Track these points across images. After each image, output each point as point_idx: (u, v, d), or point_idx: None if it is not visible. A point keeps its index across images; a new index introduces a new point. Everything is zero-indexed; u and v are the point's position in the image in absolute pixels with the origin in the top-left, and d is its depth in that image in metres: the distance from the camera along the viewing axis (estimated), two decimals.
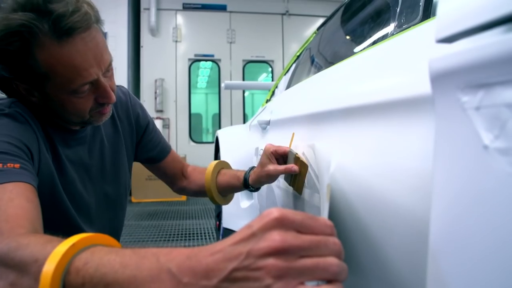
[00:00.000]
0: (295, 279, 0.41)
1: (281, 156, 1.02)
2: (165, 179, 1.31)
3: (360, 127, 0.71)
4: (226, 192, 1.23)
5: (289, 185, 1.04)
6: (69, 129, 0.95)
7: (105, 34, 0.89)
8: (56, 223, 0.89)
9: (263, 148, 1.04)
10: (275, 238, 0.41)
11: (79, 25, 0.77)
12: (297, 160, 0.94)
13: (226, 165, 1.28)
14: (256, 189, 1.14)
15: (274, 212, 0.43)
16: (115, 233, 1.15)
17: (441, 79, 0.38)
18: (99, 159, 1.05)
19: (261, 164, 1.03)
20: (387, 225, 0.58)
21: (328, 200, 0.61)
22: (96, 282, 0.46)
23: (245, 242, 0.42)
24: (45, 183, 0.87)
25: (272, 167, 1.00)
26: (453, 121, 0.36)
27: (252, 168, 1.11)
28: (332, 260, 0.43)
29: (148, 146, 1.21)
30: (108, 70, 0.87)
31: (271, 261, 0.40)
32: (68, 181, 0.94)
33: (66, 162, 0.94)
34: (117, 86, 1.11)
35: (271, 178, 1.03)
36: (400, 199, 0.54)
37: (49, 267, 0.47)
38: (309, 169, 0.89)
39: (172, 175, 1.28)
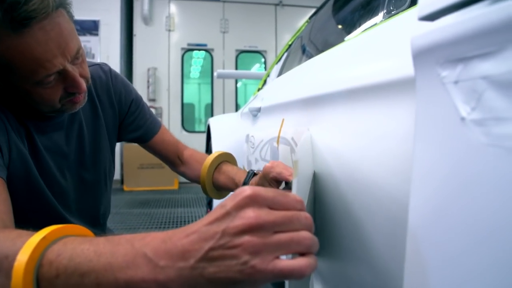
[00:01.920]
0: (271, 254, 0.42)
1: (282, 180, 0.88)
2: (161, 160, 1.24)
3: (350, 110, 0.72)
4: (223, 190, 1.15)
5: None
6: (44, 116, 0.90)
7: (73, 18, 0.81)
8: (37, 211, 0.88)
9: (263, 168, 0.90)
10: (249, 215, 0.42)
11: (35, 14, 0.68)
12: None
13: (227, 158, 1.16)
14: None
15: (247, 190, 0.44)
16: (98, 218, 1.11)
17: (422, 55, 0.39)
18: (77, 145, 1.00)
19: (259, 185, 0.91)
20: (375, 204, 0.59)
21: (296, 176, 0.62)
22: (70, 272, 0.45)
23: (219, 221, 0.43)
24: (20, 172, 0.84)
25: None
26: (432, 95, 0.38)
27: (252, 175, 1.01)
28: (305, 234, 0.44)
29: (131, 127, 1.15)
30: (77, 57, 0.80)
31: (247, 238, 0.41)
32: (45, 169, 0.90)
33: (42, 150, 0.90)
34: (98, 64, 1.08)
35: None
36: (388, 179, 0.55)
37: (20, 261, 0.46)
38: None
39: (165, 157, 1.21)
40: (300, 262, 0.42)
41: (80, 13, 6.22)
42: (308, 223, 0.45)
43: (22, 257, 0.46)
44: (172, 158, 1.21)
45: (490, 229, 0.31)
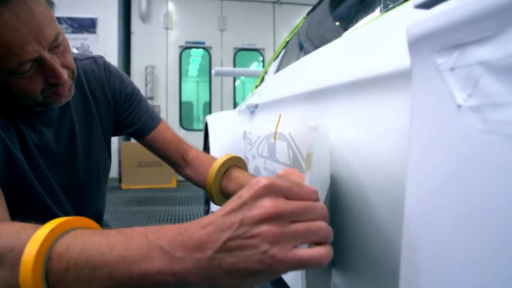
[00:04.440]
0: (289, 243, 0.41)
1: None
2: (164, 161, 1.14)
3: (349, 104, 0.72)
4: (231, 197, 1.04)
5: None
6: (33, 111, 0.85)
7: (52, 5, 0.76)
8: (30, 210, 0.85)
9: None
10: (267, 204, 0.42)
11: None
12: None
13: (236, 162, 1.05)
14: None
15: (263, 181, 0.44)
16: (93, 217, 1.06)
17: (418, 43, 0.39)
18: (67, 142, 0.95)
19: None
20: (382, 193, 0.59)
21: (310, 168, 0.61)
22: (81, 266, 0.44)
23: (236, 212, 0.43)
24: (5, 167, 0.80)
25: None
26: (428, 84, 0.37)
27: None
28: (321, 224, 0.44)
29: (126, 122, 1.08)
30: (57, 46, 0.75)
31: (265, 228, 0.41)
32: (35, 165, 0.87)
33: (33, 146, 0.86)
34: (92, 57, 1.03)
35: None
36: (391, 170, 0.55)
37: (29, 254, 0.45)
38: (295, 150, 0.88)
39: (167, 158, 1.12)
40: (318, 251, 0.42)
41: (78, 11, 6.21)
42: (324, 213, 0.45)
43: (31, 251, 0.45)
44: (175, 159, 1.11)
45: (489, 218, 0.31)
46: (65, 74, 0.77)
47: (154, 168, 6.06)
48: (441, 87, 0.35)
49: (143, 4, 6.58)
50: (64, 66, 0.78)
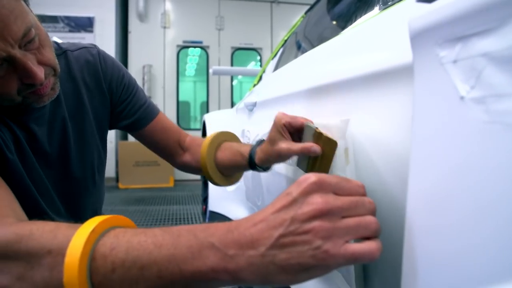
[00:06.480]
0: (341, 238, 0.42)
1: (296, 131, 0.79)
2: (160, 153, 1.08)
3: (346, 100, 0.72)
4: (229, 171, 1.01)
5: (306, 171, 0.77)
6: (23, 109, 0.80)
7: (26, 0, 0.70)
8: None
9: (274, 118, 0.80)
10: (318, 200, 0.42)
11: None
12: (319, 137, 0.70)
13: (230, 137, 1.03)
14: (265, 169, 0.91)
15: (312, 177, 0.44)
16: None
17: (420, 37, 0.39)
18: (60, 143, 0.89)
19: (270, 139, 0.81)
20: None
21: (349, 163, 0.61)
22: (128, 266, 0.44)
23: (287, 208, 0.43)
24: (2, 171, 0.75)
25: (285, 145, 0.77)
26: (431, 76, 0.37)
27: (260, 142, 0.89)
28: (371, 218, 0.44)
29: (123, 114, 1.02)
30: (29, 41, 0.67)
31: (317, 223, 0.41)
32: (30, 168, 0.83)
33: (27, 147, 0.82)
34: (85, 47, 0.96)
35: (282, 158, 0.81)
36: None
37: (73, 256, 0.44)
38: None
39: (165, 147, 1.06)
40: (370, 245, 0.42)
41: (75, 10, 6.20)
42: (372, 208, 0.45)
43: (75, 251, 0.45)
44: (173, 148, 1.06)
45: (494, 209, 0.31)
46: (41, 72, 0.70)
47: (151, 168, 6.06)
48: (443, 80, 0.35)
49: (141, 3, 6.57)
50: (41, 63, 0.71)
